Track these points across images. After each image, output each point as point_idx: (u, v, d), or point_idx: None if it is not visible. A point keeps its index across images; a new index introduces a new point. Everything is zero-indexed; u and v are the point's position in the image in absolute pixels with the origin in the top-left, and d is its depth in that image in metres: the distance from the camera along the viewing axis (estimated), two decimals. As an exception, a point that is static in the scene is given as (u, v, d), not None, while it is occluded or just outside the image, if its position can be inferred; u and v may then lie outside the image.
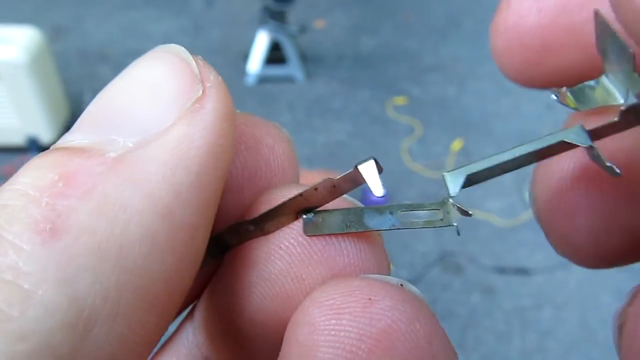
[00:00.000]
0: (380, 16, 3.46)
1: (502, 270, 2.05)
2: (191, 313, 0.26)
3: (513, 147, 0.21)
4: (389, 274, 0.21)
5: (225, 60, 3.05)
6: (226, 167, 0.20)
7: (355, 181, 0.21)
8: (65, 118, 2.56)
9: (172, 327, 0.27)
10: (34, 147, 2.41)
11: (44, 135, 2.43)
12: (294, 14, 3.01)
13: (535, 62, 0.25)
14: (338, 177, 0.21)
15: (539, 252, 2.08)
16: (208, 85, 0.19)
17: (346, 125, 2.70)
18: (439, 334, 0.19)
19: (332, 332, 0.19)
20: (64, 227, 0.16)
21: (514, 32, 0.25)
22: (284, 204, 0.21)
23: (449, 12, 3.52)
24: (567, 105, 0.22)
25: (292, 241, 0.22)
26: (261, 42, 2.92)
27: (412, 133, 2.62)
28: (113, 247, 0.17)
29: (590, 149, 0.20)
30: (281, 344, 0.20)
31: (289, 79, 2.96)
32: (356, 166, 0.20)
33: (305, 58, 3.06)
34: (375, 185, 0.20)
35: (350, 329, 0.18)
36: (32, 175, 0.17)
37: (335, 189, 0.21)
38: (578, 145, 0.20)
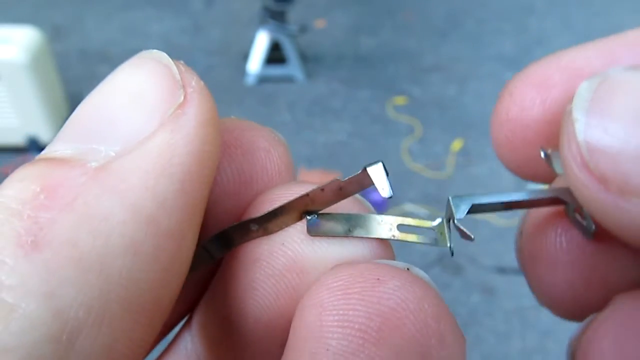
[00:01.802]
0: (380, 16, 3.45)
1: (502, 270, 2.05)
2: (189, 321, 0.26)
3: (514, 192, 0.22)
4: None
5: (225, 60, 3.05)
6: (211, 173, 0.19)
7: (362, 183, 0.21)
8: (65, 118, 2.49)
9: (169, 336, 0.27)
10: (34, 147, 2.41)
11: (44, 135, 2.42)
12: (294, 14, 3.01)
13: (539, 159, 0.23)
14: (345, 179, 0.21)
15: (539, 252, 2.07)
16: (190, 90, 0.19)
17: (346, 125, 2.69)
18: (447, 314, 0.19)
19: (341, 312, 0.18)
20: (45, 240, 0.16)
21: (517, 125, 0.23)
22: (290, 203, 0.21)
23: (449, 12, 3.51)
24: (552, 168, 0.23)
25: (295, 238, 0.22)
26: (261, 42, 2.91)
27: (412, 133, 2.62)
28: (95, 258, 0.16)
29: (571, 208, 0.23)
30: (284, 345, 0.20)
31: (289, 79, 2.96)
32: (365, 168, 0.20)
33: (305, 58, 3.06)
34: (384, 188, 0.20)
35: (360, 307, 0.18)
36: (15, 187, 0.17)
37: (341, 191, 0.21)
38: (568, 203, 0.22)
